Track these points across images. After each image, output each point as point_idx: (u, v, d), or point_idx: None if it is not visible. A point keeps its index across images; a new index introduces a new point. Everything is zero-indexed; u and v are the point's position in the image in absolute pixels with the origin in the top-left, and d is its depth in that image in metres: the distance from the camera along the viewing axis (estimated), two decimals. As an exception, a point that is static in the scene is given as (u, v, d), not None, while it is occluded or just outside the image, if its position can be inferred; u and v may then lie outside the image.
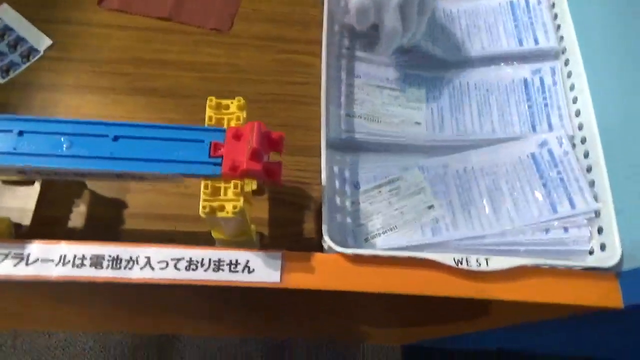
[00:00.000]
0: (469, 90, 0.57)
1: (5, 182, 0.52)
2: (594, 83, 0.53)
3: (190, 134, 0.39)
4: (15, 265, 0.42)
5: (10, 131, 0.38)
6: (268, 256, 0.45)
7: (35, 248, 0.43)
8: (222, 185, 0.38)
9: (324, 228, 0.44)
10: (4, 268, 0.42)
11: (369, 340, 1.11)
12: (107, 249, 0.43)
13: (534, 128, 0.55)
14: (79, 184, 0.53)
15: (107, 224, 0.52)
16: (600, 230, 0.48)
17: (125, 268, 0.43)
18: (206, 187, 0.38)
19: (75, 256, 0.43)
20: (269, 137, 0.38)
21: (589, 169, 0.51)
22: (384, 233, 0.50)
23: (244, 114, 0.41)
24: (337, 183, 0.52)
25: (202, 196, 0.38)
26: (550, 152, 0.52)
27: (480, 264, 0.44)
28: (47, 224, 0.51)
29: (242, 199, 0.38)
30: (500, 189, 0.52)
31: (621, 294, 0.45)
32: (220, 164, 0.37)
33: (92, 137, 0.38)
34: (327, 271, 0.45)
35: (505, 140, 0.54)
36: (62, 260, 0.43)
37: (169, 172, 0.38)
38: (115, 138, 0.38)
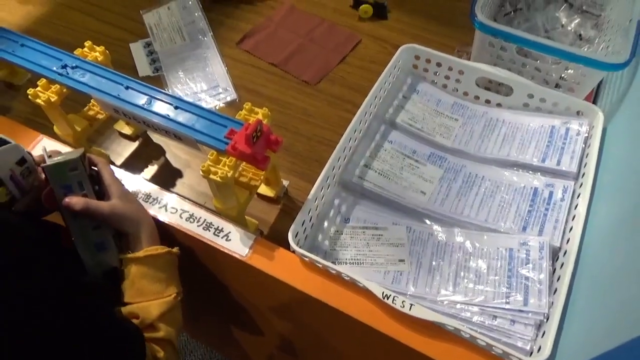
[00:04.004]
0: (481, 183, 0.63)
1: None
2: (595, 211, 0.56)
3: (221, 120, 0.54)
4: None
5: (122, 85, 0.57)
6: (245, 235, 0.56)
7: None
8: (224, 159, 0.52)
9: (291, 229, 0.54)
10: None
11: None
12: (145, 187, 0.59)
13: (524, 229, 0.58)
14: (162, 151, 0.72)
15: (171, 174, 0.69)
16: (544, 334, 0.49)
17: (149, 202, 0.58)
18: (212, 154, 0.52)
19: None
20: (268, 137, 0.51)
21: (558, 278, 0.52)
22: (350, 264, 0.57)
23: (265, 120, 0.55)
24: (331, 212, 0.61)
25: (207, 161, 0.52)
26: (527, 252, 0.55)
27: (403, 307, 0.49)
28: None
29: (231, 172, 0.51)
30: (468, 267, 0.56)
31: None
32: (227, 144, 0.51)
33: (163, 102, 0.56)
34: (284, 263, 0.54)
35: (493, 230, 0.59)
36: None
37: (195, 138, 0.53)
38: (176, 107, 0.55)
